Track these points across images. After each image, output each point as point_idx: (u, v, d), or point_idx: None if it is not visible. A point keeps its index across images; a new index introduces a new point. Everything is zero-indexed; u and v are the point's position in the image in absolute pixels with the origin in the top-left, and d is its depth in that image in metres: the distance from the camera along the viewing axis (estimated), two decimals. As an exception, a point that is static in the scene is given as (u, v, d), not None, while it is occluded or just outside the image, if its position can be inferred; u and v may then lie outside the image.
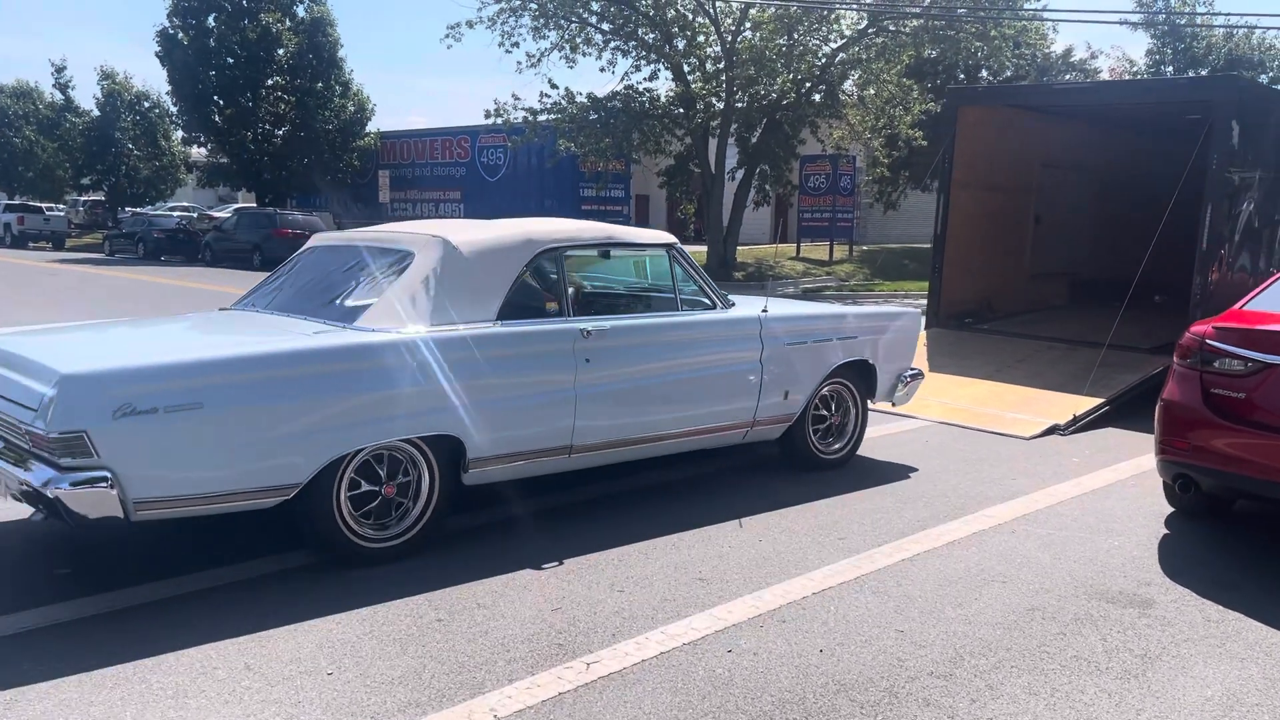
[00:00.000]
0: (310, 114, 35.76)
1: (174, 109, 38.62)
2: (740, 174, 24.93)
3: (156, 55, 35.34)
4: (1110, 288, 12.67)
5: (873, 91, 23.33)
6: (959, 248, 11.87)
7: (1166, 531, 5.68)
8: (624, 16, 23.41)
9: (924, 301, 12.20)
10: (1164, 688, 3.77)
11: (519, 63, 24.10)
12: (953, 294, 11.84)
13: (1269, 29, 34.18)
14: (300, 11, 36.50)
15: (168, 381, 4.20)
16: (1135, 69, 35.55)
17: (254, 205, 36.31)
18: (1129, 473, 6.98)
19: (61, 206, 43.22)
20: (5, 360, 4.51)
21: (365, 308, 5.06)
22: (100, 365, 4.25)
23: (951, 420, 8.50)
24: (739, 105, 23.54)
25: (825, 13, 22.81)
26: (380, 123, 42.74)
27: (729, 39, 23.08)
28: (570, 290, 5.54)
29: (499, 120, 24.72)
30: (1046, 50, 29.93)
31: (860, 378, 6.96)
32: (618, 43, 24.10)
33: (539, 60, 24.02)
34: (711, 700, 3.58)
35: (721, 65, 23.40)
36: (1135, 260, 10.30)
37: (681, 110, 23.90)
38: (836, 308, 7.65)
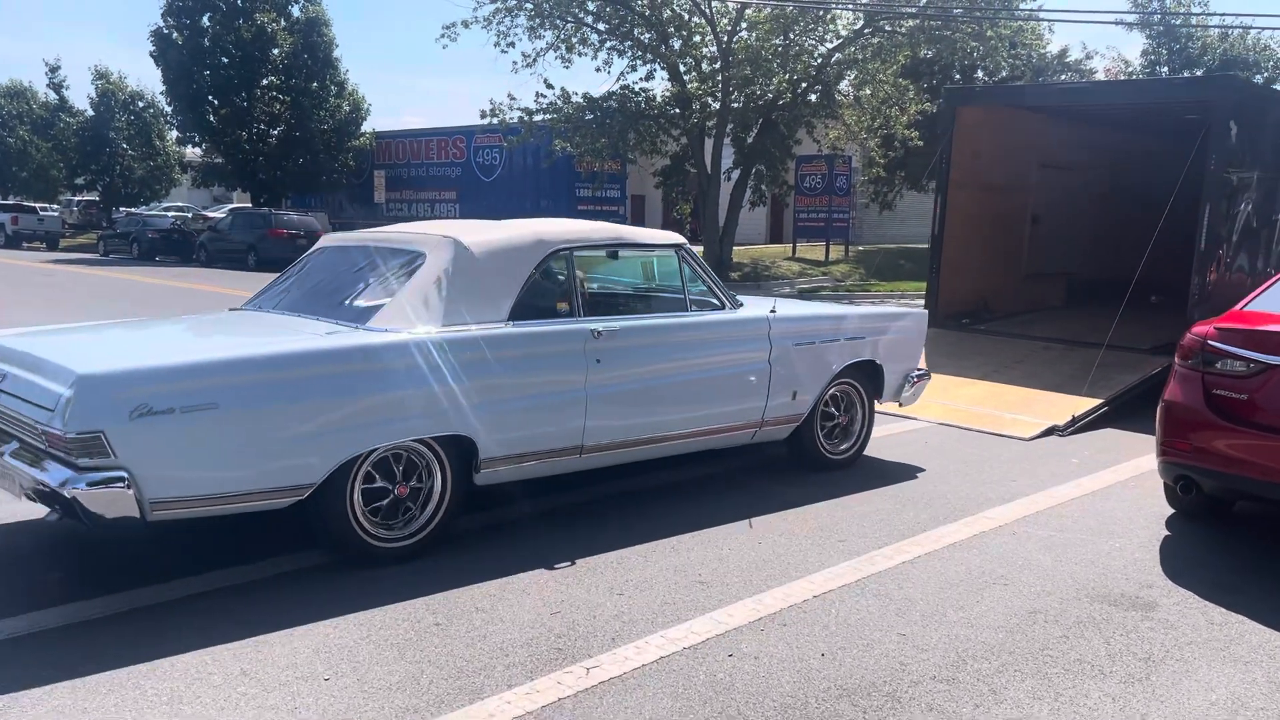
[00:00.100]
0: (305, 114, 35.66)
1: (168, 109, 38.47)
2: (736, 174, 24.90)
3: (151, 55, 35.23)
4: (1108, 288, 12.66)
5: (869, 92, 23.30)
6: (957, 248, 11.85)
7: (1167, 533, 5.66)
8: (620, 16, 23.36)
9: (921, 302, 12.18)
10: (1168, 692, 3.74)
11: (515, 63, 24.01)
12: (950, 294, 11.82)
13: (1264, 29, 34.24)
14: (295, 11, 36.37)
15: (184, 382, 4.22)
16: (1130, 69, 35.57)
17: (249, 205, 36.21)
18: (1129, 474, 6.95)
19: (56, 207, 43.11)
20: (18, 360, 4.51)
21: (378, 308, 5.07)
22: (117, 365, 4.26)
23: (950, 421, 8.47)
24: (735, 105, 23.50)
25: (821, 13, 22.78)
26: (376, 123, 42.79)
27: (725, 39, 23.04)
28: (580, 291, 5.55)
29: (495, 120, 24.67)
30: (1042, 51, 29.90)
31: (867, 378, 6.98)
32: (613, 43, 24.05)
33: (534, 60, 23.97)
34: (713, 705, 3.54)
35: (717, 65, 23.35)
36: (1132, 261, 10.29)
37: (677, 110, 23.85)
38: (844, 308, 7.66)
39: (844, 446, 6.94)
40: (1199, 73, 31.06)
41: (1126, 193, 14.49)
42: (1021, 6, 24.27)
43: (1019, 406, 8.78)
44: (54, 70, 43.53)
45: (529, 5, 23.20)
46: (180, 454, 4.17)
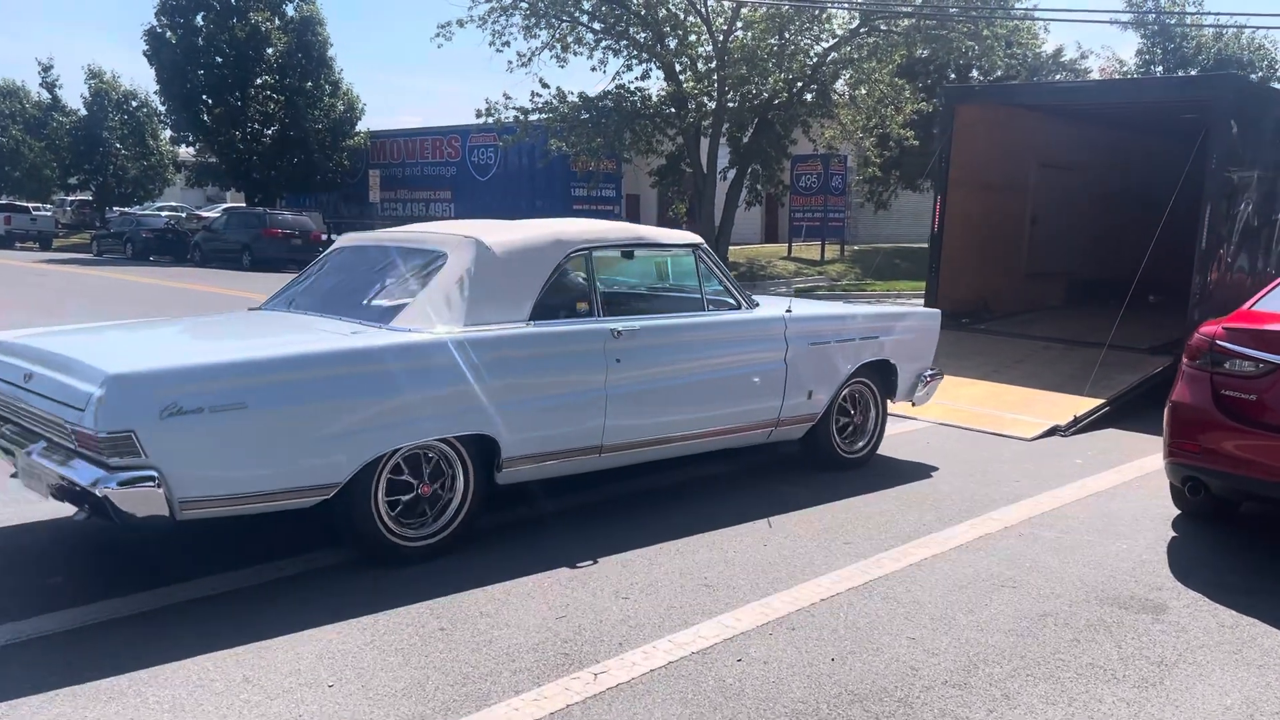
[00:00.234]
0: (300, 113, 35.51)
1: (162, 108, 38.29)
2: (732, 173, 24.86)
3: (145, 54, 35.04)
4: (1106, 288, 12.64)
5: (864, 91, 23.27)
6: (956, 247, 11.82)
7: (1174, 534, 5.62)
8: (615, 16, 23.30)
9: (919, 301, 12.14)
10: (1183, 696, 3.70)
11: (510, 62, 23.87)
12: (950, 294, 11.77)
13: (1258, 29, 34.30)
14: (289, 10, 36.22)
15: (213, 381, 4.24)
16: (1125, 69, 35.63)
17: (243, 205, 36.09)
18: (1132, 474, 6.92)
19: (48, 206, 42.88)
20: (44, 359, 4.52)
21: (400, 308, 5.09)
22: (147, 365, 4.28)
23: (951, 421, 8.43)
24: (731, 105, 23.47)
25: (817, 12, 22.76)
26: (370, 122, 42.49)
27: (721, 38, 23.00)
28: (599, 290, 5.55)
29: (490, 120, 24.59)
30: (1037, 50, 29.90)
31: (881, 377, 7.00)
32: (609, 42, 23.99)
33: (530, 60, 23.90)
34: (723, 711, 3.50)
35: (713, 65, 23.31)
36: (1131, 260, 10.25)
37: (673, 110, 23.80)
38: (859, 307, 7.68)
39: (859, 445, 6.95)
40: (1193, 72, 31.10)
41: (1126, 192, 14.47)
42: (1017, 6, 24.28)
43: (1020, 406, 8.74)
44: (47, 69, 43.26)
45: (524, 4, 23.14)
46: (209, 453, 4.20)
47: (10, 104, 43.37)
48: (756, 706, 3.53)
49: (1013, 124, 12.47)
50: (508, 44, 23.91)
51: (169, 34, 34.65)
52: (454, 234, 5.48)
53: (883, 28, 22.99)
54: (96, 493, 3.95)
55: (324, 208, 38.99)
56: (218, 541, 5.00)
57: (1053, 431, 8.15)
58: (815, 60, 23.38)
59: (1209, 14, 34.12)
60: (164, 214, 38.15)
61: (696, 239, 6.34)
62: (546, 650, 3.93)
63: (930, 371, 7.31)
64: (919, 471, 6.86)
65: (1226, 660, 4.02)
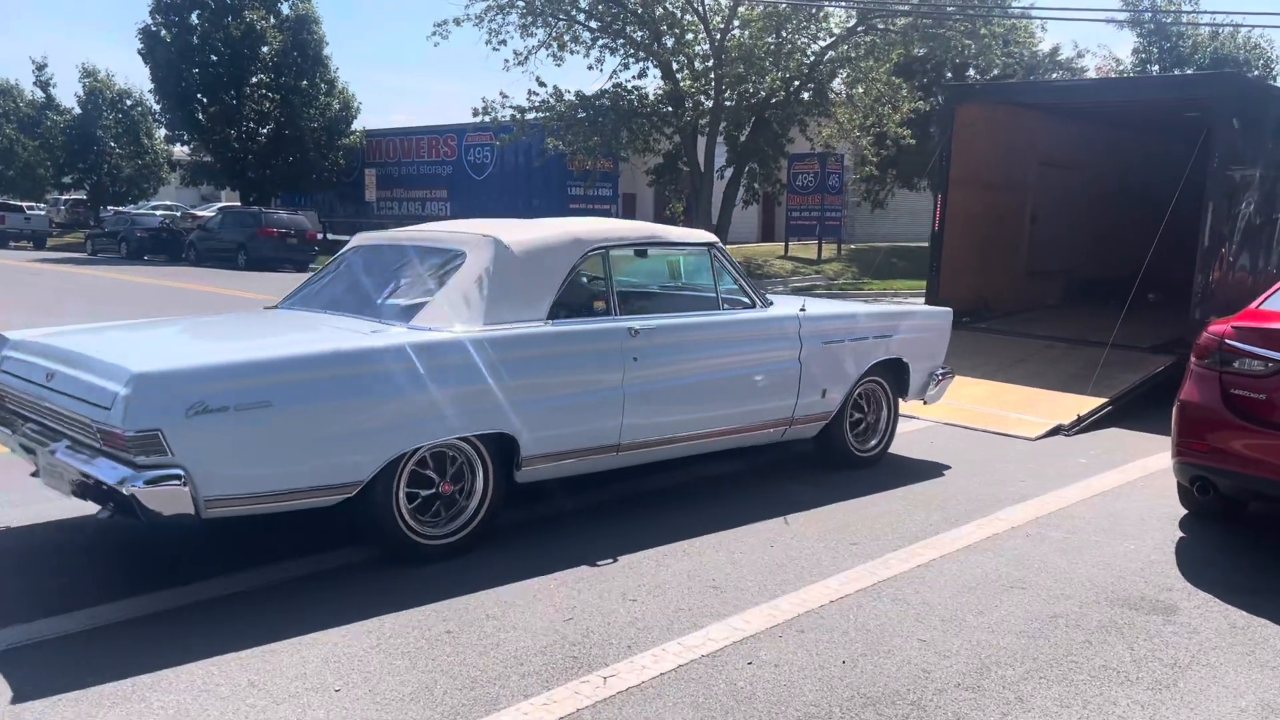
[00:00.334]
0: (295, 112, 35.38)
1: (157, 107, 38.10)
2: (729, 172, 24.84)
3: (139, 53, 34.86)
4: (1107, 286, 12.62)
5: (861, 90, 23.27)
6: (956, 246, 11.78)
7: (1181, 534, 5.60)
8: (612, 14, 23.27)
9: (917, 300, 12.11)
10: (1197, 699, 3.67)
11: (506, 61, 23.99)
12: (950, 293, 11.71)
13: (1254, 27, 34.33)
14: (285, 9, 36.07)
15: (239, 380, 4.23)
16: (1121, 68, 35.64)
17: (238, 204, 35.98)
18: (1137, 474, 6.89)
19: (43, 205, 42.73)
20: (66, 358, 4.51)
21: (420, 307, 5.08)
22: (173, 364, 4.28)
23: (954, 420, 8.40)
24: (728, 104, 23.46)
25: (814, 11, 22.75)
26: (366, 121, 42.40)
27: (718, 37, 22.98)
28: (616, 289, 5.56)
29: (486, 118, 24.57)
30: (1034, 49, 29.91)
31: (894, 376, 7.00)
32: (606, 40, 23.97)
33: (526, 58, 23.89)
34: (735, 715, 3.46)
35: (710, 63, 23.29)
36: (1132, 259, 10.22)
37: (670, 108, 23.78)
38: (871, 306, 7.68)
39: (871, 444, 6.97)
40: (1190, 71, 31.11)
41: (1126, 191, 14.44)
42: (1014, 4, 24.29)
43: (1023, 406, 8.72)
44: (40, 68, 43.06)
45: (521, 3, 23.12)
46: (234, 452, 4.19)
47: (4, 103, 43.22)
48: (769, 710, 3.50)
49: (1013, 123, 12.44)
50: (504, 42, 23.91)
51: (163, 32, 34.50)
52: (472, 233, 5.46)
53: (880, 26, 22.99)
54: (123, 491, 3.94)
55: (319, 207, 38.93)
56: (224, 544, 4.95)
57: (1056, 431, 8.12)
58: (812, 59, 23.38)
59: (1205, 13, 34.18)
60: (159, 213, 37.98)
61: (712, 238, 6.35)
62: (554, 653, 3.89)
63: (942, 370, 7.32)
64: (924, 471, 6.83)
65: (1239, 662, 3.99)
